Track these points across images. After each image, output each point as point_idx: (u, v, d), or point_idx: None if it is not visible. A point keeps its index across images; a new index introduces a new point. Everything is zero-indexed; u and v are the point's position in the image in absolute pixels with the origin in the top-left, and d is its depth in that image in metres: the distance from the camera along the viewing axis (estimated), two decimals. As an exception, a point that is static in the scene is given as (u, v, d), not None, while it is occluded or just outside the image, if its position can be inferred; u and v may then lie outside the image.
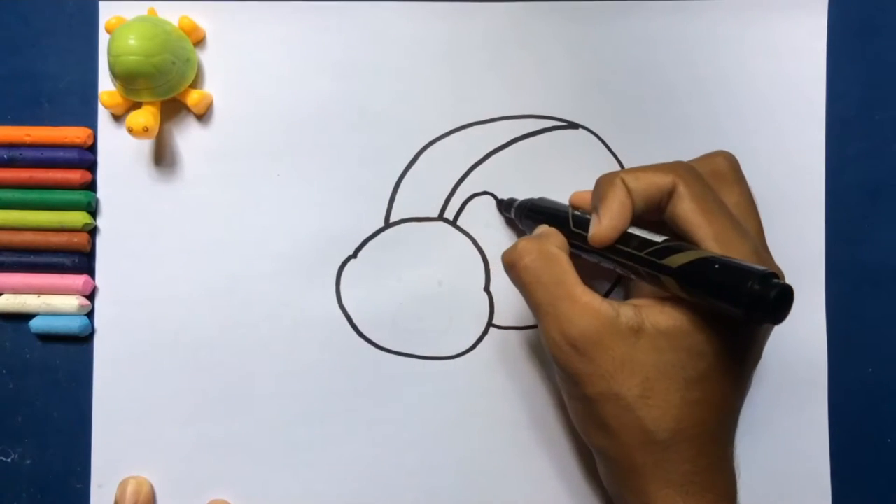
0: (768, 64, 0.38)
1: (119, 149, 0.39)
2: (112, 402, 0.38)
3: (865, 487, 0.38)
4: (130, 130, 0.36)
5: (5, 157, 0.38)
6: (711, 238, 0.28)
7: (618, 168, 0.38)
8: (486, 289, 0.38)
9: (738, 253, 0.28)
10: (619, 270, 0.31)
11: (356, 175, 0.38)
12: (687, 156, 0.33)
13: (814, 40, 0.38)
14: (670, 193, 0.30)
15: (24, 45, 0.39)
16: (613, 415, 0.29)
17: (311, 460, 0.38)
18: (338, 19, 0.38)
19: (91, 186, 0.39)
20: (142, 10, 0.38)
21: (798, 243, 0.38)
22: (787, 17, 0.38)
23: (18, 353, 0.39)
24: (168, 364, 0.38)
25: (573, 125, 0.38)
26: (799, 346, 0.37)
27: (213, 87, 0.39)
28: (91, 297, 0.39)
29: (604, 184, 0.31)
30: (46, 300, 0.38)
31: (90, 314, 0.39)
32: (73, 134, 0.38)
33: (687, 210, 0.29)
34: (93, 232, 0.39)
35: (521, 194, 0.38)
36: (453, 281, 0.38)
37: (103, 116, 0.39)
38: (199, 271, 0.38)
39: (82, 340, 0.39)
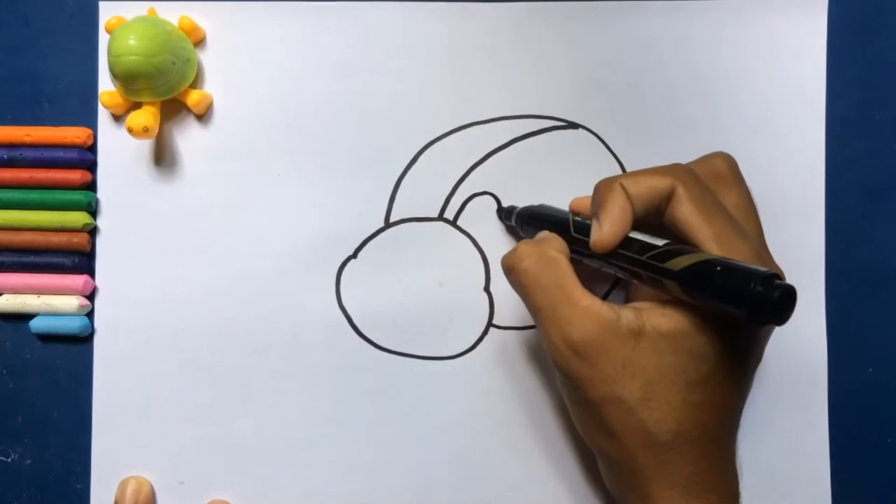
0: (768, 64, 0.38)
1: (119, 149, 0.39)
2: (112, 402, 0.38)
3: (865, 487, 0.38)
4: (130, 130, 0.36)
5: (5, 157, 0.38)
6: (712, 240, 0.28)
7: (618, 168, 0.38)
8: (486, 289, 0.39)
9: (739, 254, 0.28)
10: (620, 275, 0.31)
11: (356, 175, 0.38)
12: (687, 156, 0.33)
13: (814, 40, 0.38)
14: (669, 196, 0.30)
15: (24, 45, 0.39)
16: (615, 418, 0.29)
17: (311, 460, 0.38)
18: (338, 19, 0.38)
19: (91, 186, 0.39)
20: (142, 10, 0.38)
21: (798, 244, 0.38)
22: (787, 17, 0.38)
23: (18, 353, 0.39)
24: (168, 364, 0.38)
25: (573, 125, 0.38)
26: (799, 347, 0.37)
27: (213, 87, 0.39)
28: (91, 297, 0.39)
29: (603, 189, 0.31)
30: (46, 300, 0.38)
31: (90, 314, 0.39)
32: (73, 134, 0.38)
33: (686, 212, 0.29)
34: (93, 232, 0.39)
35: (522, 194, 0.38)
36: (453, 281, 0.38)
37: (103, 116, 0.39)
38: (199, 271, 0.38)
39: (82, 340, 0.39)
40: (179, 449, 0.38)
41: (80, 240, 0.38)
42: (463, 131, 0.38)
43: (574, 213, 0.34)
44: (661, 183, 0.30)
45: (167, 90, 0.36)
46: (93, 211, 0.38)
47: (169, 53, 0.35)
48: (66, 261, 0.38)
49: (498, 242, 0.39)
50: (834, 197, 0.38)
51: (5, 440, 0.39)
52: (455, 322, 0.38)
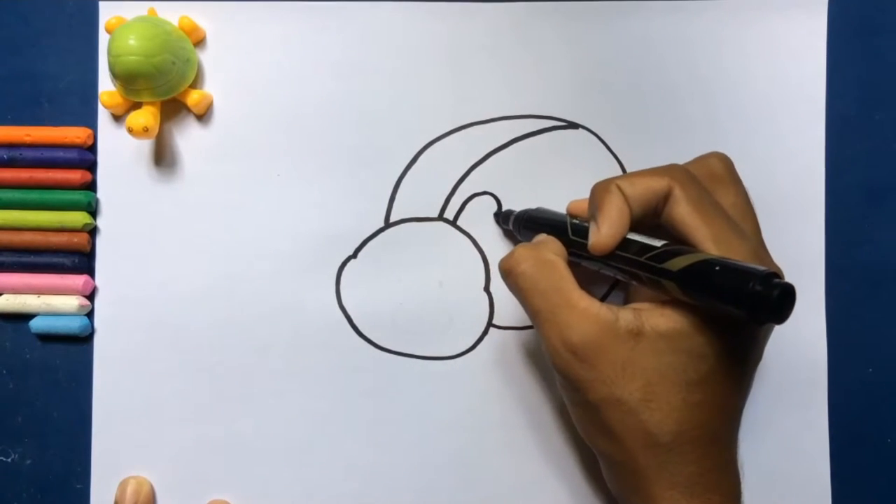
0: (768, 64, 0.38)
1: (119, 149, 0.39)
2: (112, 402, 0.38)
3: (865, 487, 0.38)
4: (130, 130, 0.36)
5: (5, 157, 0.38)
6: (710, 240, 0.28)
7: (618, 169, 0.38)
8: (486, 289, 0.38)
9: (737, 254, 0.28)
10: (619, 277, 0.31)
11: (356, 175, 0.38)
12: (687, 156, 0.33)
13: (814, 40, 0.38)
14: (666, 197, 0.30)
15: (24, 45, 0.39)
16: (616, 419, 0.29)
17: (311, 460, 0.38)
18: (337, 19, 0.38)
19: (91, 186, 0.39)
20: (142, 10, 0.38)
21: (798, 244, 0.38)
22: (787, 17, 0.38)
23: (18, 353, 0.39)
24: (168, 364, 0.38)
25: (573, 125, 0.38)
26: (799, 347, 0.37)
27: (213, 87, 0.39)
28: (91, 297, 0.39)
29: (599, 191, 0.31)
30: (46, 300, 0.38)
31: (90, 314, 0.39)
32: (73, 134, 0.38)
33: (684, 213, 0.29)
34: (93, 232, 0.39)
35: (522, 194, 0.38)
36: (453, 281, 0.38)
37: (103, 116, 0.39)
38: (200, 271, 0.38)
39: (82, 340, 0.39)
40: (179, 449, 0.38)
41: (80, 240, 0.38)
42: (463, 131, 0.38)
43: (571, 215, 0.34)
44: (658, 184, 0.30)
45: (167, 90, 0.36)
46: (93, 211, 0.38)
47: (169, 53, 0.35)
48: (66, 261, 0.38)
49: (498, 242, 0.39)
50: (834, 197, 0.38)
51: (5, 440, 0.39)
52: (455, 322, 0.38)
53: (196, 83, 0.38)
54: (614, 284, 0.38)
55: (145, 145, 0.39)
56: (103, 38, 0.38)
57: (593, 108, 0.38)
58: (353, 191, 0.38)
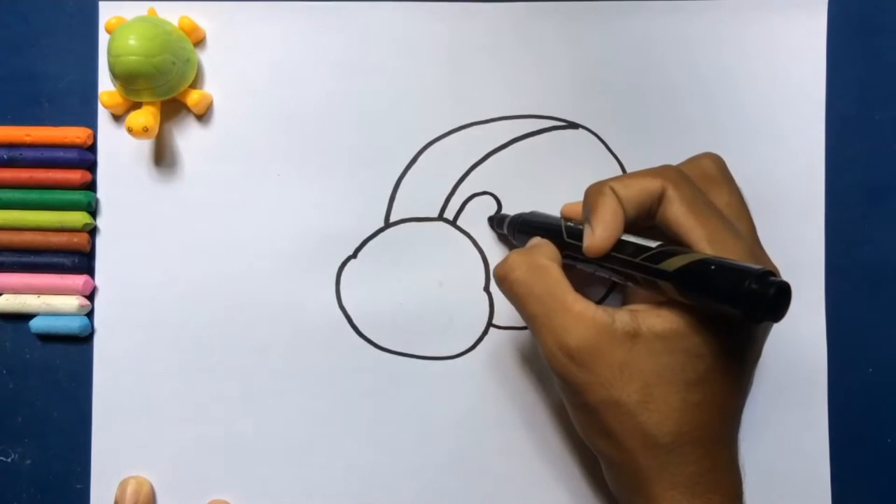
0: (768, 64, 0.38)
1: (119, 149, 0.39)
2: (112, 402, 0.38)
3: (865, 487, 0.38)
4: (130, 130, 0.36)
5: (5, 157, 0.38)
6: (704, 240, 0.28)
7: (618, 169, 0.38)
8: (486, 289, 0.39)
9: (733, 253, 0.28)
10: (615, 278, 0.31)
11: (356, 175, 0.38)
12: (687, 156, 0.33)
13: (814, 40, 0.38)
14: (660, 198, 0.30)
15: (24, 45, 0.39)
16: (615, 421, 0.29)
17: (311, 460, 0.38)
18: (337, 19, 0.38)
19: (91, 186, 0.39)
20: (142, 10, 0.38)
21: (798, 243, 0.38)
22: (787, 17, 0.38)
23: (18, 353, 0.39)
24: (168, 364, 0.38)
25: (573, 125, 0.38)
26: (799, 347, 0.37)
27: (213, 87, 0.39)
28: (91, 297, 0.39)
29: (593, 194, 0.31)
30: (46, 300, 0.38)
31: (90, 314, 0.39)
32: (73, 134, 0.38)
33: (678, 213, 0.29)
34: (93, 232, 0.39)
35: (521, 194, 0.38)
36: (453, 281, 0.38)
37: (103, 116, 0.39)
38: (200, 271, 0.38)
39: (82, 340, 0.39)
40: (179, 449, 0.38)
41: (80, 240, 0.38)
42: (463, 131, 0.39)
43: (566, 218, 0.34)
44: (652, 185, 0.30)
45: (167, 90, 0.36)
46: (93, 211, 0.38)
47: (169, 53, 0.35)
48: (66, 261, 0.38)
49: (498, 243, 0.39)
50: (834, 197, 0.38)
51: (5, 440, 0.39)
52: (455, 322, 0.38)
53: (196, 83, 0.38)
54: (612, 287, 0.38)
55: (145, 145, 0.39)
56: (103, 38, 0.38)
57: (593, 108, 0.38)
58: (353, 191, 0.38)
